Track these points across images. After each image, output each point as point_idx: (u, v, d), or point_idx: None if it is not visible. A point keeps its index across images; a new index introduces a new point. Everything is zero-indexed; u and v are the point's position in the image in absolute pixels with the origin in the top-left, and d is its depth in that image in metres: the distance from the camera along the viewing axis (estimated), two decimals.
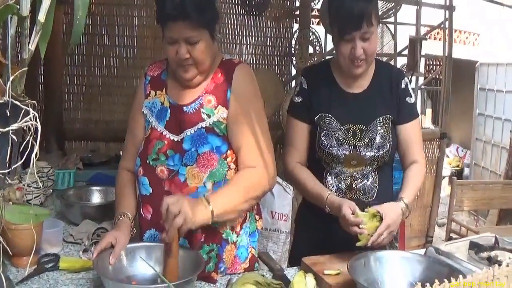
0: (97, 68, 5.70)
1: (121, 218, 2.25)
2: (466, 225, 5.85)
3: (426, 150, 6.19)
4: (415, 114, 2.57)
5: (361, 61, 2.39)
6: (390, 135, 2.48)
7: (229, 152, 2.24)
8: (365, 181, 2.50)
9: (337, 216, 2.31)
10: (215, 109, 2.23)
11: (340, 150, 2.47)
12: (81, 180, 3.83)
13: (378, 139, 2.46)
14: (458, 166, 11.66)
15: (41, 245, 2.40)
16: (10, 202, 2.44)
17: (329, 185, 2.52)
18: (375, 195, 2.50)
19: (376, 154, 2.46)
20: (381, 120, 2.47)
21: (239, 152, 2.24)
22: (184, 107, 2.26)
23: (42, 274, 2.21)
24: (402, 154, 2.56)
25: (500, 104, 8.99)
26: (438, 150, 6.28)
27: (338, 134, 2.47)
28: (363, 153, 2.46)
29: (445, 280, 1.41)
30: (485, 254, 2.24)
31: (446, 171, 10.25)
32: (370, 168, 2.50)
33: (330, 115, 2.50)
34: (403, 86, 2.53)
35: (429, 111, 12.42)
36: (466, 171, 10.94)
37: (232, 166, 2.26)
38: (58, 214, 3.04)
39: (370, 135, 2.46)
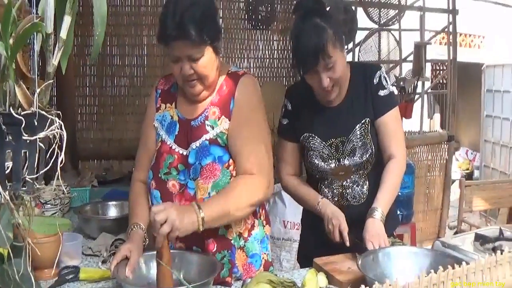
0: (109, 88, 5.74)
1: (134, 229, 2.24)
2: (477, 225, 5.82)
3: (434, 153, 6.23)
4: (389, 106, 2.52)
5: (331, 88, 2.42)
6: (371, 138, 2.50)
7: (231, 161, 2.25)
8: (356, 187, 2.56)
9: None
10: (218, 120, 2.26)
11: (326, 165, 2.55)
12: (96, 197, 3.82)
13: (359, 147, 2.50)
14: (468, 169, 11.69)
15: (61, 258, 2.43)
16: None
17: (324, 194, 2.61)
18: (364, 200, 2.56)
19: (360, 161, 2.50)
20: (359, 127, 2.50)
21: (237, 158, 2.24)
22: (192, 122, 2.29)
23: (63, 285, 2.24)
24: (381, 150, 2.54)
25: (507, 104, 9.01)
26: (446, 153, 6.30)
27: (323, 152, 2.55)
28: (347, 163, 2.52)
29: (449, 266, 1.47)
30: (490, 245, 2.29)
31: (457, 174, 10.25)
32: (359, 174, 2.55)
33: (313, 135, 2.56)
34: (376, 81, 2.50)
35: (437, 115, 12.44)
36: (476, 173, 10.94)
37: (235, 174, 2.26)
38: (76, 229, 3.02)
39: (351, 145, 2.50)
